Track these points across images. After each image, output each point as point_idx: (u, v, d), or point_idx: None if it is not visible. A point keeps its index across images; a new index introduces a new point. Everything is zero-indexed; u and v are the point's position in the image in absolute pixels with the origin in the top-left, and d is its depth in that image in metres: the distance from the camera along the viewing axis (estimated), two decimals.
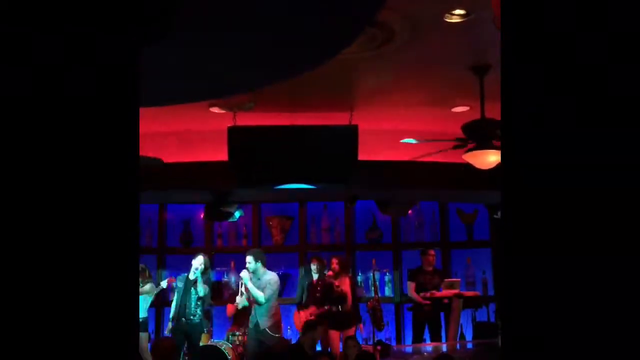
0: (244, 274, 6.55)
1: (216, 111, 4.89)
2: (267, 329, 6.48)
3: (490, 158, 4.13)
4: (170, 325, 6.70)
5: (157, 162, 4.71)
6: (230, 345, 6.74)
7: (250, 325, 6.56)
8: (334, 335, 6.65)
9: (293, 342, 7.38)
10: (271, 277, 6.60)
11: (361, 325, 7.21)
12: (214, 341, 7.00)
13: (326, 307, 6.66)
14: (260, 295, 6.43)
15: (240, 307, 6.73)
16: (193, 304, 6.67)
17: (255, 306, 6.52)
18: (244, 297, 6.64)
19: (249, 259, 6.54)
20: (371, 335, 6.98)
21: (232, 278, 8.01)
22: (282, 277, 7.90)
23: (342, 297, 6.62)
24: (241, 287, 6.66)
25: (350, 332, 6.63)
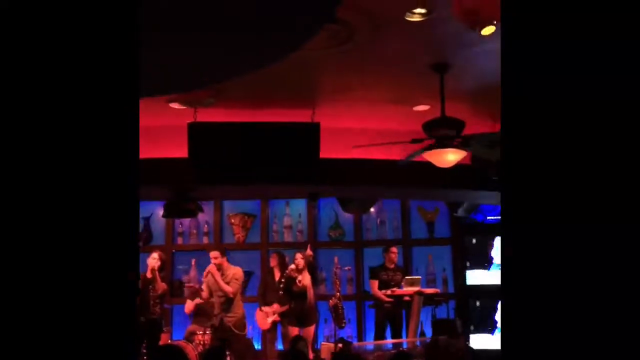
0: (212, 268, 6.49)
1: (176, 107, 4.82)
2: (232, 327, 6.43)
3: (449, 157, 4.17)
4: None
5: None
6: (191, 344, 6.66)
7: (216, 323, 6.48)
8: (293, 331, 6.61)
9: (253, 340, 7.36)
10: (236, 271, 6.57)
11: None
12: (174, 340, 6.91)
13: (288, 305, 6.64)
14: (229, 290, 6.38)
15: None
16: (151, 302, 6.56)
17: (220, 303, 6.47)
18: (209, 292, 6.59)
19: (216, 254, 6.50)
20: (333, 333, 6.99)
21: (193, 275, 7.92)
22: (244, 275, 7.85)
23: (303, 292, 6.59)
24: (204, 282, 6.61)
25: (311, 329, 6.62)
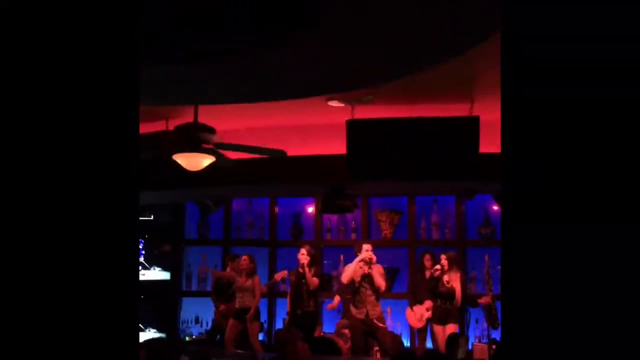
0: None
1: (335, 105, 4.91)
2: (374, 319, 6.50)
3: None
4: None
5: (281, 153, 4.80)
6: (342, 338, 6.78)
7: (361, 316, 6.57)
8: (438, 330, 6.54)
9: (402, 337, 7.34)
10: (379, 267, 6.66)
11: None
12: (325, 333, 7.08)
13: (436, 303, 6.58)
14: (382, 283, 6.52)
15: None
16: (305, 296, 6.77)
17: (365, 296, 6.55)
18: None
19: (369, 247, 6.62)
20: (485, 334, 6.79)
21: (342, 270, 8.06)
22: (391, 271, 7.87)
23: (450, 293, 6.49)
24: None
25: (454, 328, 6.49)
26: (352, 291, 6.60)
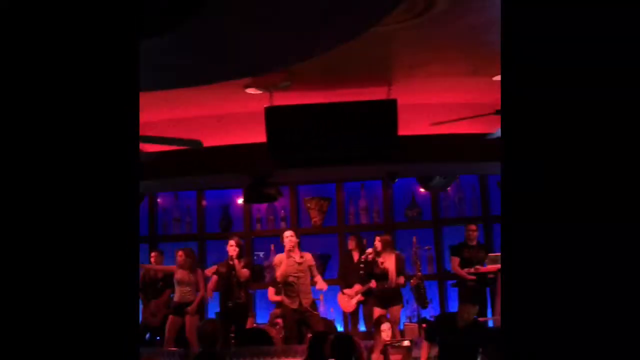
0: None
1: (252, 92, 4.84)
2: (307, 307, 6.50)
3: None
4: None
5: (197, 143, 4.68)
6: (275, 328, 6.76)
7: (294, 306, 6.54)
8: (376, 312, 6.59)
9: (335, 323, 7.39)
10: (310, 255, 6.67)
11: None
12: (258, 324, 7.04)
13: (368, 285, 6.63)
14: (318, 278, 6.55)
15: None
16: (235, 288, 6.69)
17: (298, 286, 6.51)
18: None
19: (290, 232, 6.56)
20: (415, 314, 6.93)
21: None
22: (322, 258, 7.89)
23: (384, 274, 6.55)
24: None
25: (396, 309, 6.56)
26: (284, 283, 6.54)
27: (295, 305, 6.46)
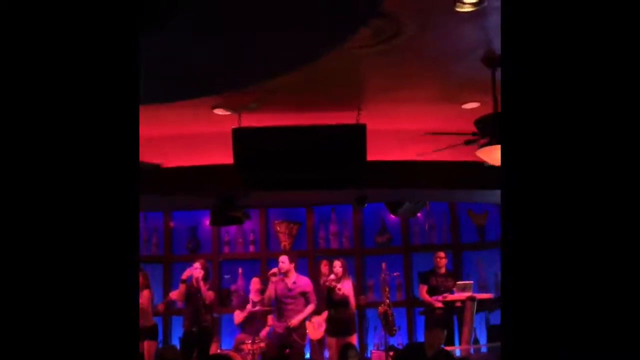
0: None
1: (220, 113, 4.78)
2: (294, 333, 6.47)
3: None
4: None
5: (154, 166, 4.58)
6: (240, 354, 6.61)
7: (280, 330, 6.49)
8: (331, 342, 6.49)
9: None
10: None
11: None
12: (223, 349, 6.88)
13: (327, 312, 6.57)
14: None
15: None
16: (202, 310, 6.54)
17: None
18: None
19: (284, 258, 6.56)
20: (383, 341, 6.84)
21: (240, 284, 7.90)
22: None
23: (344, 301, 6.47)
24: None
25: (351, 339, 6.47)
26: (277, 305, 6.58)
27: (281, 330, 6.43)
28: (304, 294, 6.47)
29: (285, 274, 6.46)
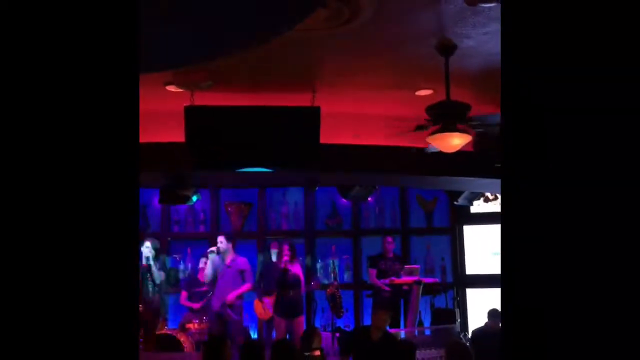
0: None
1: (173, 90, 4.70)
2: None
3: (455, 141, 4.08)
4: None
5: None
6: (186, 333, 6.59)
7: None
8: (281, 323, 6.53)
9: (249, 329, 7.29)
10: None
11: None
12: (169, 329, 6.83)
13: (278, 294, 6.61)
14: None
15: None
16: (150, 290, 6.48)
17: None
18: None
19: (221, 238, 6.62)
20: (330, 322, 6.92)
21: (189, 265, 7.85)
22: None
23: (297, 281, 6.52)
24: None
25: (299, 319, 6.54)
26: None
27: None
28: (241, 272, 6.56)
29: (224, 252, 6.54)
